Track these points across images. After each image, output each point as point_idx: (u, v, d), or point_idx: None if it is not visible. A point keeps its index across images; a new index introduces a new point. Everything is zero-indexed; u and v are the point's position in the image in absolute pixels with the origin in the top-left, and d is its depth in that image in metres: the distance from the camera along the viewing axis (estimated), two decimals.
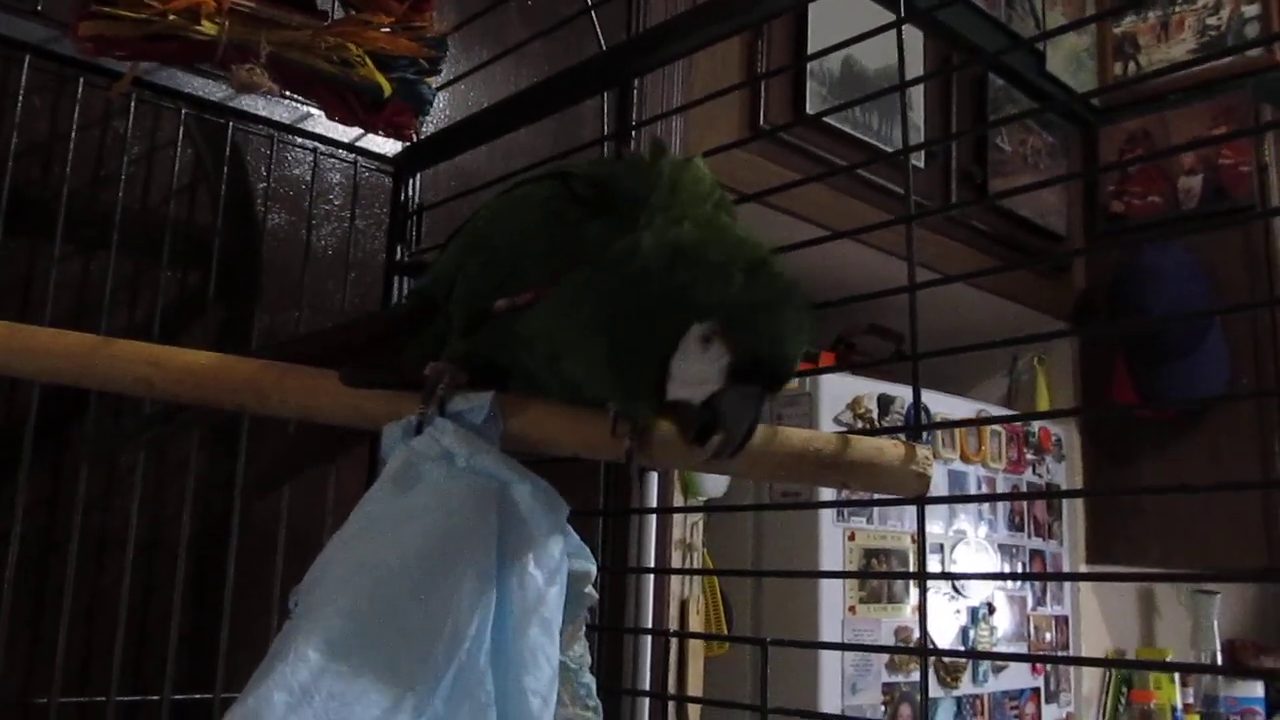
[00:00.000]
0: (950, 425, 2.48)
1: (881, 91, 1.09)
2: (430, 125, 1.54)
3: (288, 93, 1.21)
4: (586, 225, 0.81)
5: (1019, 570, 2.87)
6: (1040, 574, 3.19)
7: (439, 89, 1.23)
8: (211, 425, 1.26)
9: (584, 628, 0.91)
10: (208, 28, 0.99)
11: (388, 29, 1.08)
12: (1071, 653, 3.05)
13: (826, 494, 2.20)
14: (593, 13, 1.31)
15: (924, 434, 0.85)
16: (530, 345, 0.83)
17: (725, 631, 2.22)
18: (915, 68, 2.61)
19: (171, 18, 0.96)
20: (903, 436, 0.80)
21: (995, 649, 2.71)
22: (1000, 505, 2.82)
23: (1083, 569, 3.19)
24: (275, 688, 0.68)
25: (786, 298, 0.72)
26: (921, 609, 0.82)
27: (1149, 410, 3.10)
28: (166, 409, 0.98)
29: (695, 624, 2.08)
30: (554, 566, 0.82)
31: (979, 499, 2.77)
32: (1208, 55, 3.30)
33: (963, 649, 2.63)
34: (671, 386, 0.73)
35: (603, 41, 1.32)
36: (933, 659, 2.47)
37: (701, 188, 0.82)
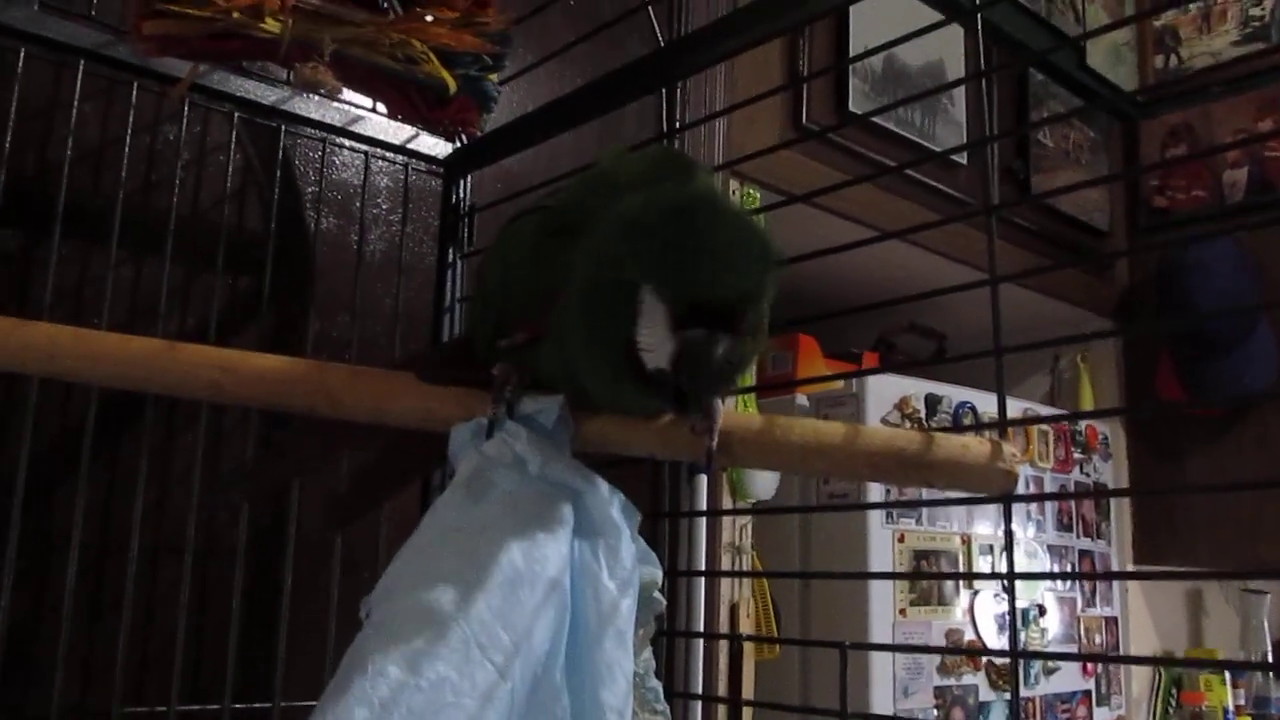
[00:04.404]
0: (1036, 422, 2.45)
1: (954, 83, 1.06)
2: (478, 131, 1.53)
3: (346, 92, 1.20)
4: (560, 255, 0.80)
5: (1068, 570, 2.84)
6: (1122, 574, 3.15)
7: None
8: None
9: (652, 634, 0.89)
10: (271, 25, 0.97)
11: (450, 25, 1.06)
12: (1120, 653, 3.01)
13: (875, 495, 2.18)
14: (649, 9, 1.29)
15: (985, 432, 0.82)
16: (555, 377, 0.82)
17: (775, 634, 2.19)
18: (954, 63, 2.59)
19: (236, 15, 0.95)
20: (991, 434, 0.77)
21: (1046, 650, 2.68)
22: (1049, 506, 2.79)
23: (1130, 569, 3.15)
24: (356, 703, 0.66)
25: (712, 235, 0.69)
26: (1010, 609, 0.80)
27: (1198, 408, 3.05)
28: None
29: (746, 628, 2.06)
30: (627, 577, 0.80)
31: (1060, 497, 2.74)
32: (1257, 52, 3.24)
33: (1047, 651, 2.60)
34: (646, 361, 0.71)
35: (660, 38, 1.30)
36: (984, 662, 2.44)
37: (634, 169, 0.81)
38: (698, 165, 0.84)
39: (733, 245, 0.69)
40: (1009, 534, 0.81)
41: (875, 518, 2.31)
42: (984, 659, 2.46)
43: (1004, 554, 0.84)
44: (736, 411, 0.81)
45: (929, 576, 2.40)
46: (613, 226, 0.73)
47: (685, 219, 0.70)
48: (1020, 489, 2.35)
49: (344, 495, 1.09)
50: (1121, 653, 3.00)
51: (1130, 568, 3.14)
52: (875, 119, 2.43)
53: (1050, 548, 2.78)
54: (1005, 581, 0.82)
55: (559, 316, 0.78)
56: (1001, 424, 0.81)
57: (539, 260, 0.82)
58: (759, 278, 0.70)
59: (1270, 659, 3.39)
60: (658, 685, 0.89)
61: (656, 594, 0.86)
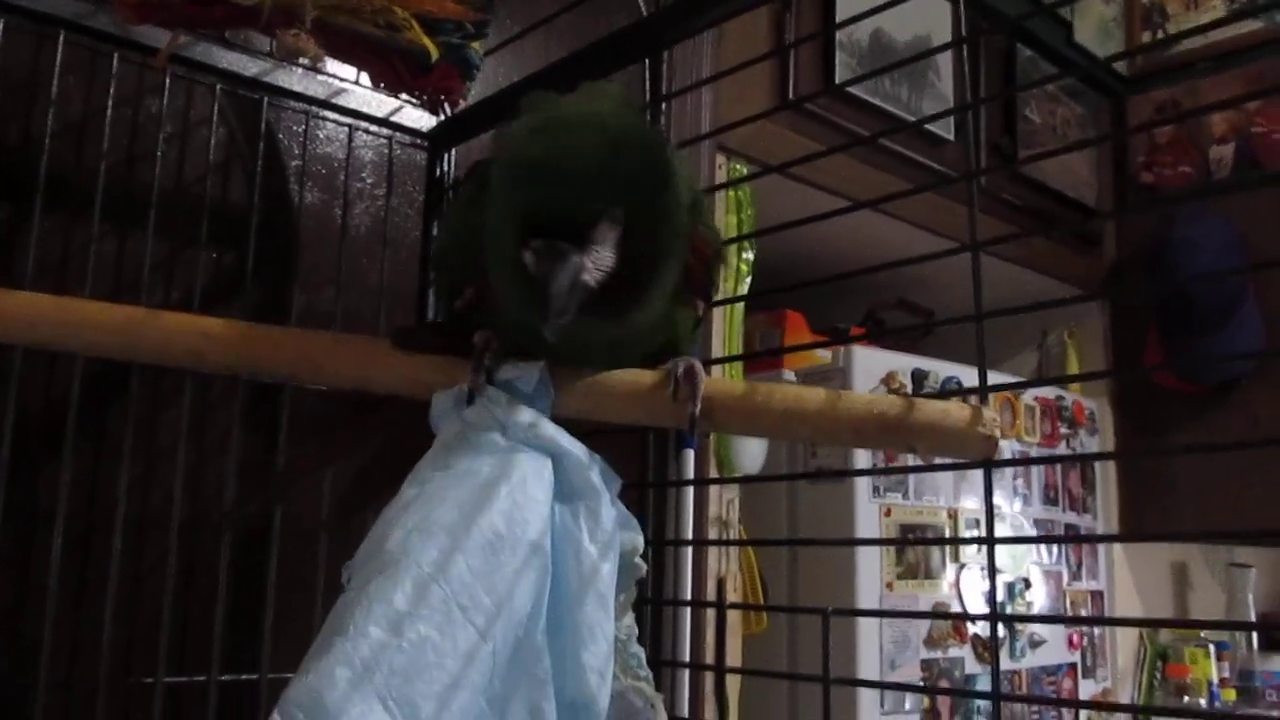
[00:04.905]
0: (1015, 387, 2.47)
1: (936, 49, 1.06)
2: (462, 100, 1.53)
3: (326, 65, 1.20)
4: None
5: (1056, 546, 2.86)
6: (1103, 536, 3.18)
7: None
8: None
9: (634, 599, 0.89)
10: None
11: None
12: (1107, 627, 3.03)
13: (863, 465, 2.19)
14: None
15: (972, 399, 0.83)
16: (506, 329, 0.82)
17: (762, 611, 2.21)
18: (941, 38, 2.58)
19: None
20: (973, 399, 0.78)
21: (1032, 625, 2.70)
22: (1035, 480, 2.81)
23: (1115, 546, 3.17)
24: (337, 663, 0.66)
25: (557, 150, 0.70)
26: (990, 573, 0.81)
27: (1184, 383, 3.06)
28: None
29: (733, 602, 2.07)
30: (607, 540, 0.81)
31: (1042, 461, 2.76)
32: (1237, 16, 3.24)
33: (1028, 614, 2.61)
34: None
35: (643, 8, 1.30)
36: (971, 635, 2.45)
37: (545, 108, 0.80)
38: (623, 95, 0.82)
39: (576, 159, 0.70)
40: (989, 498, 0.81)
41: (862, 493, 2.33)
42: (970, 632, 2.47)
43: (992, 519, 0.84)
44: (721, 379, 0.82)
45: (910, 542, 2.42)
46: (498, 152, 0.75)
47: (537, 137, 0.71)
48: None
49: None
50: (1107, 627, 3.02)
51: (1116, 545, 3.16)
52: (862, 94, 2.43)
53: (1037, 521, 2.80)
54: (986, 546, 0.83)
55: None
56: (982, 389, 0.82)
57: (476, 214, 0.82)
58: (607, 190, 0.70)
59: (1255, 634, 3.42)
60: (640, 651, 0.89)
61: (638, 559, 0.87)
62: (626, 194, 0.71)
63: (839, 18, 2.36)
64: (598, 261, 0.71)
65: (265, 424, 1.33)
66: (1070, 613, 2.88)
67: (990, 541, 0.81)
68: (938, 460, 0.82)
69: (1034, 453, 2.80)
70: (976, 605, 2.52)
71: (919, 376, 2.49)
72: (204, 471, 1.31)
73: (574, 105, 0.77)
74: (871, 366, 2.44)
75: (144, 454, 1.27)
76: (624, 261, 0.72)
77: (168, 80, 1.30)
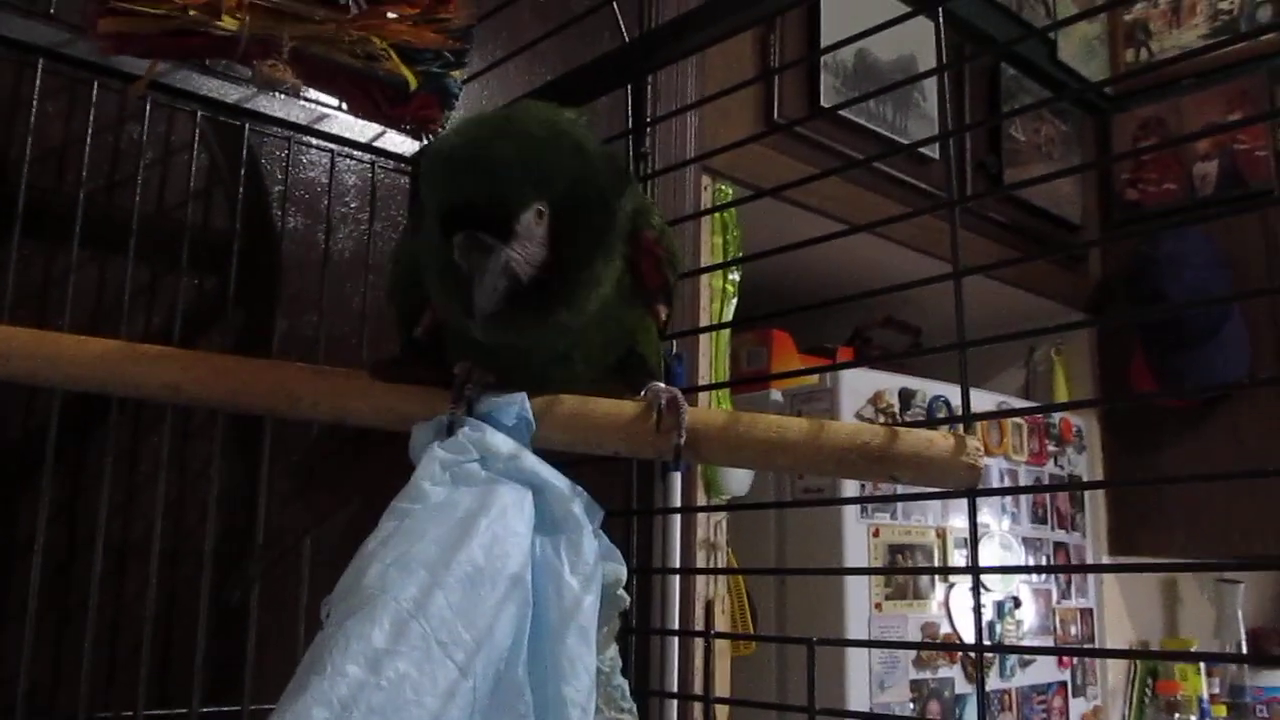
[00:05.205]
0: (997, 416, 2.46)
1: (918, 76, 1.06)
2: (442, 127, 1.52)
3: (308, 90, 1.19)
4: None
5: (1044, 563, 2.85)
6: (1090, 566, 3.17)
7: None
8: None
9: (617, 630, 0.89)
10: (228, 22, 0.96)
11: (411, 21, 1.06)
12: (1096, 645, 3.02)
13: (850, 490, 2.18)
14: (614, 4, 1.29)
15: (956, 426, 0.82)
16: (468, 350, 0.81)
17: (751, 631, 2.19)
18: (926, 58, 2.59)
19: (192, 13, 0.94)
20: (957, 428, 0.77)
21: (1022, 642, 2.69)
22: (1024, 498, 2.80)
23: (1105, 560, 3.17)
24: (314, 703, 0.65)
25: (473, 144, 0.71)
26: (976, 604, 0.80)
27: (1171, 399, 3.07)
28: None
29: (721, 624, 2.06)
30: (589, 573, 0.80)
31: (1024, 490, 2.75)
32: (1220, 41, 3.26)
33: (1013, 645, 2.60)
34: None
35: (625, 33, 1.30)
36: (960, 655, 2.45)
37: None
38: (561, 110, 0.83)
39: (495, 151, 0.70)
40: (974, 528, 0.81)
41: (850, 512, 2.32)
42: (960, 653, 2.47)
43: (976, 548, 0.84)
44: (702, 408, 0.81)
45: (895, 571, 2.41)
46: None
47: (459, 134, 0.72)
48: (995, 482, 2.37)
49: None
50: (1097, 644, 3.02)
51: (1105, 559, 3.16)
52: (848, 115, 2.44)
53: (1025, 540, 2.79)
54: (971, 575, 0.82)
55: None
56: (965, 418, 0.81)
57: (421, 245, 0.82)
58: (528, 182, 0.70)
59: (1244, 648, 3.42)
60: (624, 683, 0.89)
61: (620, 591, 0.86)
62: (549, 186, 0.71)
63: (824, 33, 2.37)
64: (525, 255, 0.71)
65: (247, 453, 1.32)
66: (1060, 630, 2.88)
67: (975, 571, 0.80)
68: (923, 489, 0.81)
69: (1021, 470, 2.80)
70: (966, 624, 2.51)
71: (906, 396, 2.49)
72: (185, 500, 1.30)
73: (503, 111, 0.78)
74: (859, 386, 2.44)
75: (124, 483, 1.26)
76: (554, 256, 0.72)
77: (148, 107, 1.30)
